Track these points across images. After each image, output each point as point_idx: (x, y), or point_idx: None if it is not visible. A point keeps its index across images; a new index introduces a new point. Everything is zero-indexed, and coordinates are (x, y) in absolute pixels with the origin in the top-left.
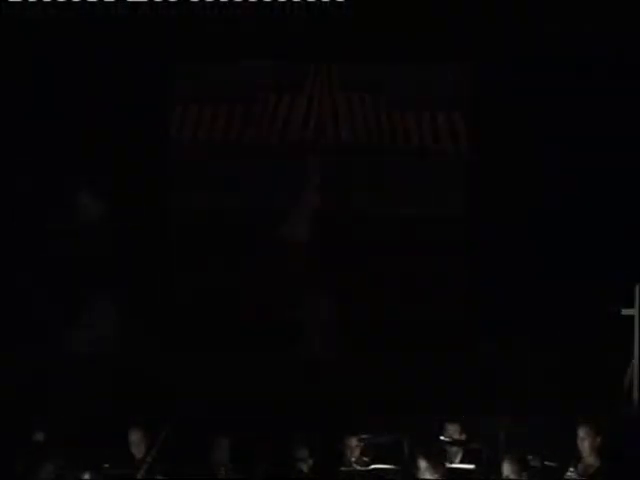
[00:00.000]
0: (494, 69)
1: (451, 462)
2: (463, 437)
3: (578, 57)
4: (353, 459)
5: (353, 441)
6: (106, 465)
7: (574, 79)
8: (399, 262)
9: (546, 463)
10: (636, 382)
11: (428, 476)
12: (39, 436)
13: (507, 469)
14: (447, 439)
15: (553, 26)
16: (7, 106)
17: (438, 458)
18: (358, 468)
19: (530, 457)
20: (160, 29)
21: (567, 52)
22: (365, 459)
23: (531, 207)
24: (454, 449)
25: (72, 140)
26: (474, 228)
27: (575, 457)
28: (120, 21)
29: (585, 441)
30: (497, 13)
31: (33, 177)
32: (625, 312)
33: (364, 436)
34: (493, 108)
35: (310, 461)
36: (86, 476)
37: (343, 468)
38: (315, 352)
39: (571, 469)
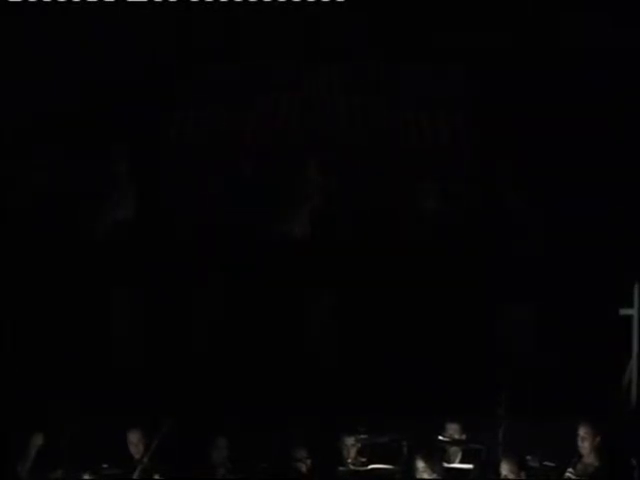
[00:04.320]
0: (494, 70)
1: (450, 462)
2: (463, 437)
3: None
4: (350, 460)
5: (350, 441)
6: (106, 465)
7: (574, 79)
8: (399, 262)
9: (545, 463)
10: (636, 382)
11: (426, 476)
12: (39, 437)
13: (506, 469)
14: (447, 439)
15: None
16: (7, 105)
17: (436, 458)
18: (354, 468)
19: (529, 457)
20: (160, 29)
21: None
22: (362, 459)
23: (530, 207)
24: (454, 449)
25: (71, 140)
26: (474, 228)
27: (575, 457)
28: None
29: (585, 441)
30: (496, 14)
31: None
32: (624, 312)
33: (362, 436)
34: (493, 108)
35: (309, 461)
36: (86, 476)
37: (341, 468)
38: (316, 351)
39: (570, 469)
